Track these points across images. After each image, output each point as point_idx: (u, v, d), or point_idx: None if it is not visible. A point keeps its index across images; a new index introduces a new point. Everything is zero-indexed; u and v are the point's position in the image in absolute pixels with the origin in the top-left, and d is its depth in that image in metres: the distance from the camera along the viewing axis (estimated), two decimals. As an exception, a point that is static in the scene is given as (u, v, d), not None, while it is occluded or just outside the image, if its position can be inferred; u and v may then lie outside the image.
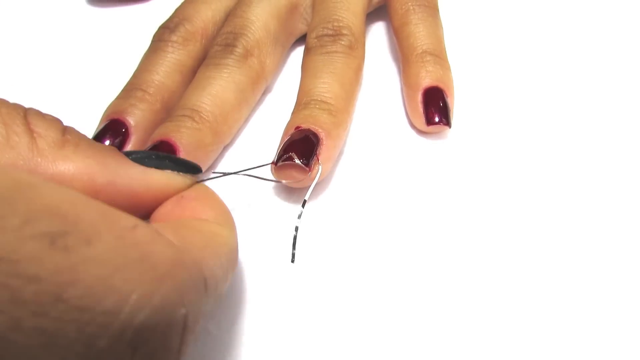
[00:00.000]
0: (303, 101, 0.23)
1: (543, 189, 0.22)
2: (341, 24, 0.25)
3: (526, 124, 0.25)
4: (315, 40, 0.25)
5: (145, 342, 0.10)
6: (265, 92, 0.26)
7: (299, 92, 0.23)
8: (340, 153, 0.24)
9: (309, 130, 0.21)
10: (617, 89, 0.27)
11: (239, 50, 0.24)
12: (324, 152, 0.21)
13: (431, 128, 0.24)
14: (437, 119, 0.23)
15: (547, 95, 0.26)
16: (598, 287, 0.19)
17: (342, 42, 0.24)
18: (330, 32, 0.24)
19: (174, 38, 0.25)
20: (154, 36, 0.26)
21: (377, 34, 0.30)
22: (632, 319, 0.18)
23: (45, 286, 0.09)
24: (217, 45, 0.24)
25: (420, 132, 0.25)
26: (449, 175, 0.23)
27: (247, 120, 0.25)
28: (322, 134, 0.21)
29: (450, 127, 0.24)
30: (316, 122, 0.21)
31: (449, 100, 0.24)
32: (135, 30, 0.31)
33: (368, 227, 0.21)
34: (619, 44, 0.29)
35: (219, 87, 0.23)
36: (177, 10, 0.27)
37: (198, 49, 0.26)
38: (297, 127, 0.21)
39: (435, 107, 0.23)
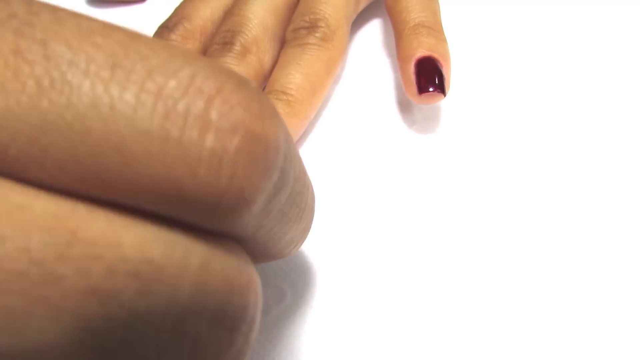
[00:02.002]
0: (266, 91, 0.23)
1: (540, 184, 0.23)
2: (318, 17, 0.25)
3: (527, 114, 0.25)
4: (292, 33, 0.25)
5: None
6: (264, 90, 0.27)
7: (267, 83, 0.24)
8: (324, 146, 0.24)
9: None
10: (619, 76, 0.27)
11: (237, 48, 0.24)
12: None
13: (424, 98, 0.23)
14: (430, 89, 0.23)
15: (550, 84, 0.26)
16: (595, 285, 0.20)
17: (316, 34, 0.24)
18: (306, 25, 0.25)
19: (173, 37, 0.26)
20: (154, 35, 0.26)
21: (373, 30, 0.30)
22: (631, 318, 0.19)
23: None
24: (216, 43, 0.24)
25: (415, 125, 0.25)
26: (444, 171, 0.23)
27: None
28: None
29: (445, 95, 0.23)
30: None
31: (444, 69, 0.23)
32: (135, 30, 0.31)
33: (361, 223, 0.21)
34: (623, 32, 0.29)
35: None
36: (176, 9, 0.27)
37: (197, 47, 0.26)
38: None
39: (428, 77, 0.23)
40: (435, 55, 0.23)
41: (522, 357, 0.18)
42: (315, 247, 0.21)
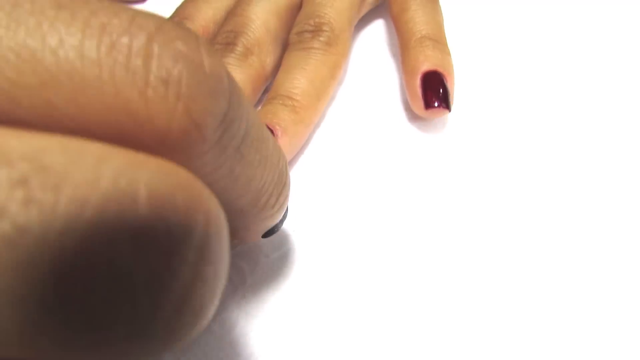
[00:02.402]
0: (270, 96, 0.23)
1: (542, 184, 0.22)
2: (322, 20, 0.25)
3: (529, 116, 0.25)
4: (296, 36, 0.25)
5: None
6: (265, 91, 0.26)
7: (272, 87, 0.24)
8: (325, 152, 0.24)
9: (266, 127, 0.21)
10: (622, 76, 0.27)
11: (239, 48, 0.24)
12: None
13: (430, 112, 0.23)
14: (436, 103, 0.23)
15: (552, 87, 0.26)
16: (596, 285, 0.19)
17: (321, 39, 0.24)
18: (311, 29, 0.24)
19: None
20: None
21: (377, 31, 0.30)
22: (632, 319, 0.18)
23: None
24: (218, 44, 0.24)
25: (420, 125, 0.25)
26: (449, 171, 0.23)
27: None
28: (278, 131, 0.21)
29: (450, 110, 0.23)
30: (275, 117, 0.22)
31: (448, 84, 0.24)
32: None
33: (363, 225, 0.21)
34: (626, 31, 0.29)
35: None
36: (177, 9, 0.27)
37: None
38: None
39: (434, 91, 0.23)
40: (441, 69, 0.24)
41: (521, 357, 0.17)
42: (318, 248, 0.20)
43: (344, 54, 0.25)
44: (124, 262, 0.08)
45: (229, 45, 0.24)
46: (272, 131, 0.21)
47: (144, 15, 0.09)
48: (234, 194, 0.12)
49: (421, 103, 0.23)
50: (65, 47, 0.08)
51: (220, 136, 0.10)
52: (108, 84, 0.08)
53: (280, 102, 0.22)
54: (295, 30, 0.25)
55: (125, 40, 0.09)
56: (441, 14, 0.26)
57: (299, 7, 0.26)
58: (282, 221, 0.16)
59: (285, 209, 0.15)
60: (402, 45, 0.25)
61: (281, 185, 0.14)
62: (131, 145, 0.09)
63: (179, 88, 0.09)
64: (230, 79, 0.10)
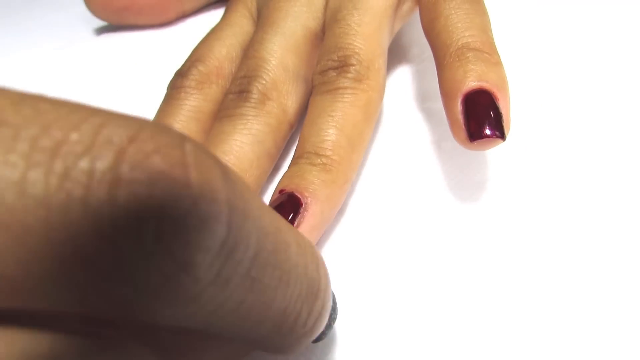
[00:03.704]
0: (296, 155, 0.19)
1: (545, 185, 0.18)
2: (348, 52, 0.20)
3: (593, 137, 0.20)
4: (319, 76, 0.21)
5: None
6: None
7: (298, 142, 0.20)
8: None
9: (292, 194, 0.18)
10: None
11: (254, 96, 0.21)
12: (306, 220, 0.17)
13: (477, 145, 0.18)
14: (486, 131, 0.17)
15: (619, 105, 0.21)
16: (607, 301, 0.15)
17: (348, 76, 0.20)
18: (335, 65, 0.20)
19: (187, 83, 0.23)
20: (168, 84, 0.24)
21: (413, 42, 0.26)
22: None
23: None
24: (231, 93, 0.21)
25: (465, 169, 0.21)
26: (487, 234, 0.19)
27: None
28: (307, 198, 0.18)
29: (504, 139, 0.18)
30: (302, 181, 0.18)
31: (501, 105, 0.18)
32: (150, 56, 0.29)
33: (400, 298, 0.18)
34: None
35: (234, 143, 0.20)
36: (192, 52, 0.25)
37: (215, 91, 0.23)
38: (281, 191, 0.18)
39: (480, 116, 0.18)
40: (488, 86, 0.18)
41: None
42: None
43: (378, 87, 0.21)
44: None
45: (243, 93, 0.21)
46: (299, 200, 0.18)
47: (117, 121, 0.07)
48: (249, 324, 0.09)
49: (464, 134, 0.18)
50: (2, 185, 0.06)
51: (219, 270, 0.08)
52: (59, 232, 0.06)
53: (308, 161, 0.19)
54: (319, 69, 0.21)
55: (84, 164, 0.07)
56: (486, 13, 0.20)
57: (320, 37, 0.23)
58: (329, 327, 0.13)
59: (327, 318, 0.12)
60: (437, 63, 0.20)
61: (312, 297, 0.11)
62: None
63: (157, 227, 0.07)
64: (230, 186, 0.08)
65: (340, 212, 0.21)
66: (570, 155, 0.21)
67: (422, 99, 0.24)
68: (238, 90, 0.21)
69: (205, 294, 0.08)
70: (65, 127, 0.07)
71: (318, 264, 0.11)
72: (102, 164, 0.07)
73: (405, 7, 0.23)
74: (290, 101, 0.22)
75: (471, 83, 0.18)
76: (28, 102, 0.07)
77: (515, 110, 0.19)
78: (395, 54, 0.27)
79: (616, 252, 0.18)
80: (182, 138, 0.08)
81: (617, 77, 0.24)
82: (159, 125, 0.08)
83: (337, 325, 0.17)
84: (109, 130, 0.07)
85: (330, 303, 0.12)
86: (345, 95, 0.20)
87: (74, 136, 0.07)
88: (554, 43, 0.25)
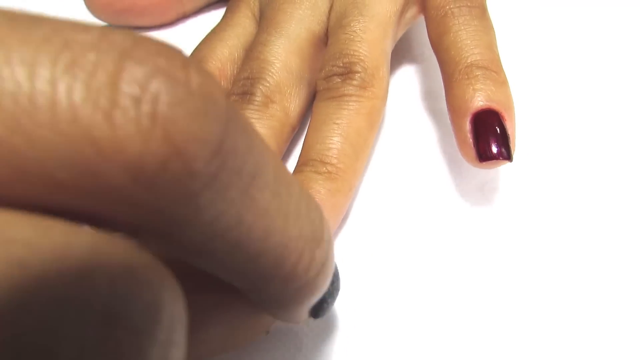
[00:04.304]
0: (300, 162, 0.19)
1: (549, 192, 0.18)
2: (353, 60, 0.20)
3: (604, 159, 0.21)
4: (324, 81, 0.21)
5: None
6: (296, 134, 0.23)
7: (302, 148, 0.20)
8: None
9: None
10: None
11: (257, 98, 0.21)
12: None
13: (486, 164, 0.19)
14: (493, 151, 0.18)
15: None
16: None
17: (353, 82, 0.20)
18: (340, 71, 0.20)
19: (188, 85, 0.23)
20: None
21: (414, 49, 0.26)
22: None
23: None
24: (234, 94, 0.21)
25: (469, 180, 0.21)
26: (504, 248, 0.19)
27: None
28: None
29: (511, 160, 0.19)
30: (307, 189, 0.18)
31: (507, 125, 0.19)
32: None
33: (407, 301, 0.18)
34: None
35: None
36: (192, 52, 0.24)
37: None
38: None
39: (489, 137, 0.18)
40: (496, 106, 0.18)
41: None
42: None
43: (382, 95, 0.21)
44: (91, 338, 0.07)
45: (246, 95, 0.21)
46: None
47: (124, 32, 0.08)
48: (249, 252, 0.09)
49: (473, 153, 0.19)
50: (13, 64, 0.07)
51: (217, 171, 0.08)
52: (63, 106, 0.07)
53: (313, 169, 0.19)
54: (323, 74, 0.21)
55: (91, 56, 0.07)
56: (492, 31, 0.21)
57: (323, 40, 0.23)
58: (331, 295, 0.13)
59: (330, 278, 0.12)
60: (445, 79, 0.20)
61: (314, 242, 0.11)
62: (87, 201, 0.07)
63: (154, 107, 0.07)
64: (230, 106, 0.08)
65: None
66: (571, 156, 0.21)
67: (423, 97, 0.24)
68: (241, 92, 0.21)
69: (203, 195, 0.08)
70: (75, 30, 0.07)
71: (322, 217, 0.11)
72: (107, 57, 0.07)
73: (409, 14, 0.23)
74: (293, 104, 0.22)
75: (480, 103, 0.19)
76: (24, 18, 0.07)
77: (518, 115, 0.19)
78: (396, 53, 0.27)
79: (617, 253, 0.18)
80: (186, 55, 0.08)
81: (616, 81, 0.24)
82: (161, 42, 0.08)
83: (342, 327, 0.17)
84: (115, 36, 0.07)
85: (333, 263, 0.12)
86: (350, 103, 0.20)
87: (82, 36, 0.07)
88: (551, 50, 0.26)
